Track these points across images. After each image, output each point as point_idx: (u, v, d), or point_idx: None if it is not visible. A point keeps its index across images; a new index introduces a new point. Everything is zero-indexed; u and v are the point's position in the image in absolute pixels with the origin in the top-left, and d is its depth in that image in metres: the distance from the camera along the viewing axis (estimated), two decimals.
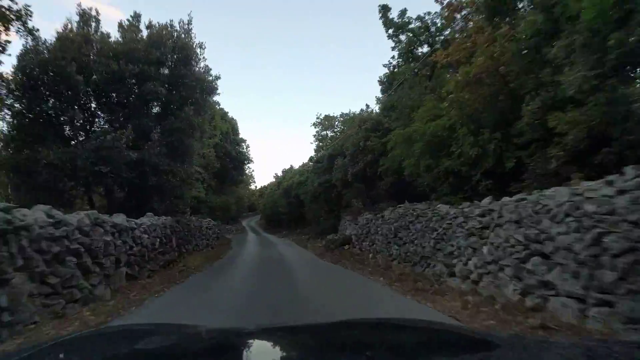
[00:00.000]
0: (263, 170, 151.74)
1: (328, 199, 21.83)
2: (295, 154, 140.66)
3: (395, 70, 16.93)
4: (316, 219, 25.31)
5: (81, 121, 12.42)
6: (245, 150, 41.33)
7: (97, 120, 13.24)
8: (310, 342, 1.40)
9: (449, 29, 12.43)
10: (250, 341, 1.42)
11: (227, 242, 23.54)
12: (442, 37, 13.68)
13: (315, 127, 36.46)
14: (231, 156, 36.13)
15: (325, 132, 36.00)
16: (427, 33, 14.79)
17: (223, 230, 30.69)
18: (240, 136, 40.19)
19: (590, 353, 0.99)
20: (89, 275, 6.07)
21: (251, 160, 38.49)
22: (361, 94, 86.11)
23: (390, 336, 1.49)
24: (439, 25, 14.07)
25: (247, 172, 48.95)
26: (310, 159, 34.19)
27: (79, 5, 14.14)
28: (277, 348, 1.39)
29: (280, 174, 60.58)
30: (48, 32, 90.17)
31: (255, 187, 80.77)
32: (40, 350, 1.13)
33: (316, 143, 36.62)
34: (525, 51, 7.00)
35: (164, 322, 2.94)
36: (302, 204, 33.90)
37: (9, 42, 9.30)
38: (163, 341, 1.37)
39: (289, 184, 41.00)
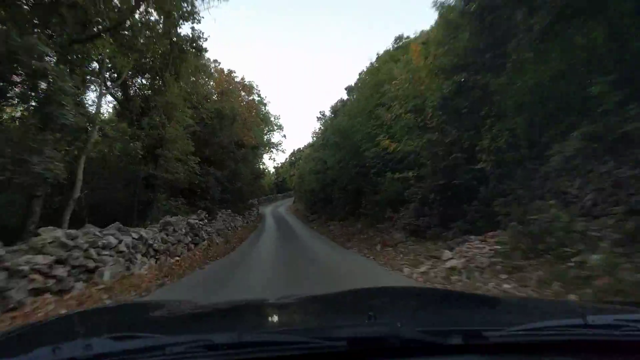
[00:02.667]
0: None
1: None
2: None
3: None
4: None
5: None
6: None
7: None
8: (320, 308, 1.53)
9: None
10: (270, 309, 1.57)
11: None
12: None
13: None
14: None
15: None
16: None
17: None
18: None
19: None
20: None
21: None
22: None
23: (392, 299, 1.64)
24: None
25: None
26: None
27: None
28: (293, 315, 1.50)
29: (319, 126, 32.33)
30: None
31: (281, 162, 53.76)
32: (47, 324, 1.32)
33: None
34: None
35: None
36: None
37: None
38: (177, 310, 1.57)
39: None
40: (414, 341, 0.85)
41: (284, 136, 37.87)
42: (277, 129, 30.05)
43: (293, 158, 48.60)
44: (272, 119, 29.88)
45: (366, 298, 1.68)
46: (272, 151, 30.68)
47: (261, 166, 30.34)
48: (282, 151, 38.21)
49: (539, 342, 0.85)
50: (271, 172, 63.64)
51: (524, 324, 0.89)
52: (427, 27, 13.34)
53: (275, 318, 1.44)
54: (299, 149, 48.63)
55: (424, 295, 1.77)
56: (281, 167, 59.79)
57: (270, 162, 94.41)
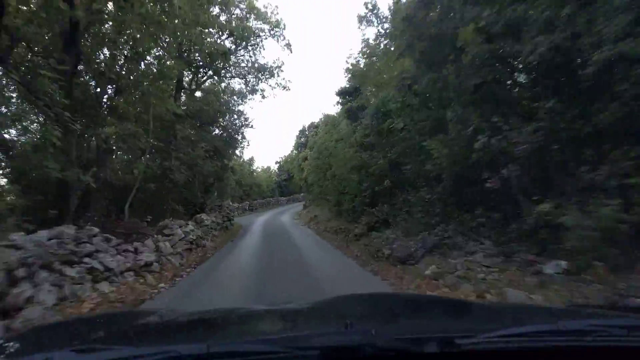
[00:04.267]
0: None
1: None
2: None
3: None
4: None
5: None
6: None
7: None
8: (295, 317, 1.48)
9: None
10: (250, 317, 1.50)
11: None
12: None
13: None
14: None
15: None
16: None
17: None
18: None
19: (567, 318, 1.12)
20: None
21: None
22: None
23: (370, 306, 1.62)
24: None
25: None
26: None
27: None
28: (267, 324, 1.46)
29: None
30: None
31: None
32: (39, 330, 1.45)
33: None
34: None
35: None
36: None
37: None
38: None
39: None
40: (389, 349, 0.85)
41: (288, 46, 13.72)
42: (271, 28, 12.42)
43: (302, 139, 31.12)
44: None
45: (344, 306, 1.62)
46: (259, 78, 12.88)
47: (236, 105, 12.60)
48: (285, 87, 14.98)
49: (511, 349, 0.86)
50: (271, 169, 46.79)
51: (496, 330, 0.89)
52: None
53: (248, 327, 1.36)
54: (313, 123, 31.01)
55: (401, 302, 1.78)
56: (286, 160, 42.82)
57: (260, 106, 71.55)
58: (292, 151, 41.53)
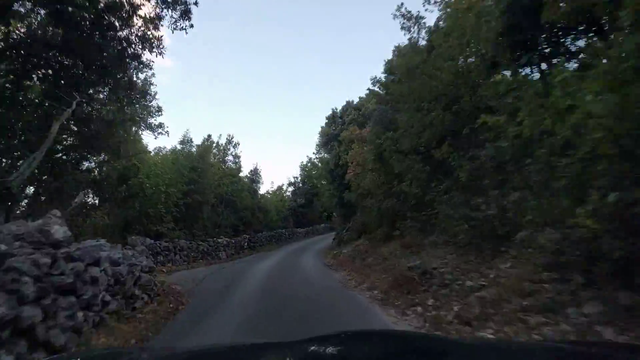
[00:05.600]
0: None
1: None
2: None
3: None
4: None
5: None
6: None
7: None
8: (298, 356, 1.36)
9: None
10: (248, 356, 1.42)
11: None
12: None
13: None
14: None
15: None
16: None
17: None
18: None
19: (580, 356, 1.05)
20: None
21: None
22: None
23: (374, 346, 1.45)
24: None
25: None
26: None
27: None
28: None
29: None
30: None
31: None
32: None
33: None
34: None
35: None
36: None
37: None
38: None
39: None
40: None
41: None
42: None
43: (334, 129, 19.18)
44: None
45: (347, 345, 1.41)
46: None
47: None
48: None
49: None
50: (284, 190, 34.91)
51: None
52: None
53: None
54: (350, 102, 19.12)
55: (413, 342, 1.52)
56: (305, 168, 31.23)
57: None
58: (312, 155, 29.65)
